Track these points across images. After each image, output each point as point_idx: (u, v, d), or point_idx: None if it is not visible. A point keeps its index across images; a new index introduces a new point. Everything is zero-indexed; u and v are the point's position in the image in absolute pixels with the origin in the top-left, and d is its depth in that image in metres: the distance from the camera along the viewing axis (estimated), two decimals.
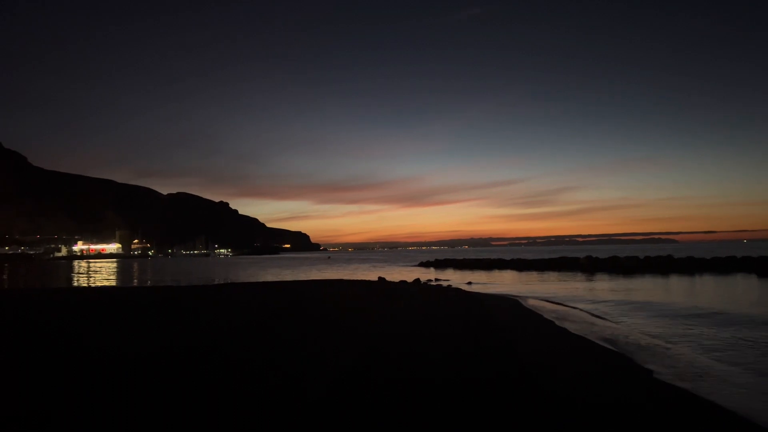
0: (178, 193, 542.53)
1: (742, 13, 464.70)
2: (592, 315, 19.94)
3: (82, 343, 11.83)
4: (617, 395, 8.13)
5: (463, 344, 11.90)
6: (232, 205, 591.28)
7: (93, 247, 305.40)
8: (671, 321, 17.96)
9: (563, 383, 8.61)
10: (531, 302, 23.80)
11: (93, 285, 45.32)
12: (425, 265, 79.78)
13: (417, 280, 41.01)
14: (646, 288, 32.10)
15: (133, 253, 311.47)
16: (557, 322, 16.85)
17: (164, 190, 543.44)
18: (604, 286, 33.86)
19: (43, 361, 9.87)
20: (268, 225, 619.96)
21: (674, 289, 31.51)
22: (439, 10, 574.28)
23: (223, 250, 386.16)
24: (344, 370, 9.07)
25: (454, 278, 45.93)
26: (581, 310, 21.54)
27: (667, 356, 11.89)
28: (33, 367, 9.44)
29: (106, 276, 65.66)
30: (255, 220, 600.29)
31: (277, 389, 7.91)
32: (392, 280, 41.35)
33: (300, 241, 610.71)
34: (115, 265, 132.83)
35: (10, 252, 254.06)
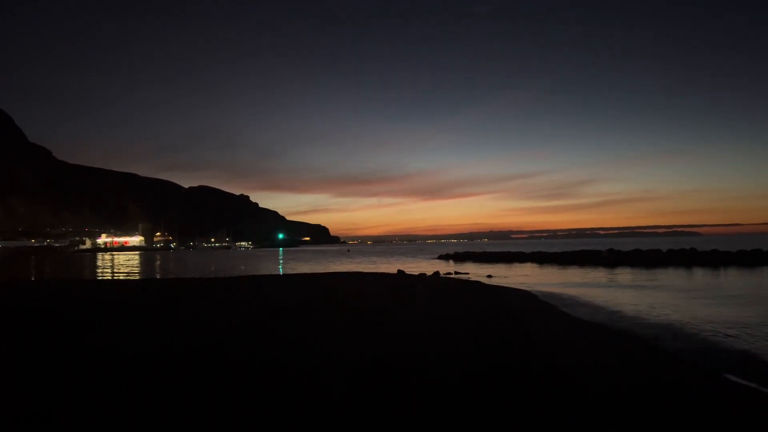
0: (200, 187, 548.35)
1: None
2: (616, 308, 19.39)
3: (82, 342, 11.67)
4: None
5: (490, 339, 11.51)
6: (253, 199, 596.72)
7: (116, 239, 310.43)
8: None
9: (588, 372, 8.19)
10: (556, 297, 23.29)
11: (100, 278, 45.56)
12: (444, 258, 79.28)
13: (436, 273, 40.72)
14: (670, 281, 31.31)
15: (156, 246, 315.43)
16: (573, 313, 16.37)
17: (186, 184, 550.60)
18: (627, 280, 33.13)
19: (43, 360, 9.76)
20: (288, 218, 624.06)
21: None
22: (459, 3, 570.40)
23: (243, 243, 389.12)
24: (348, 373, 8.77)
25: (474, 271, 45.47)
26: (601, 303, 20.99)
27: None
28: (33, 366, 9.33)
29: (123, 268, 66.39)
30: (275, 213, 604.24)
31: (277, 389, 7.74)
32: (411, 272, 41.08)
33: (319, 234, 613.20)
34: (137, 257, 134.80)
35: (36, 244, 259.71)
